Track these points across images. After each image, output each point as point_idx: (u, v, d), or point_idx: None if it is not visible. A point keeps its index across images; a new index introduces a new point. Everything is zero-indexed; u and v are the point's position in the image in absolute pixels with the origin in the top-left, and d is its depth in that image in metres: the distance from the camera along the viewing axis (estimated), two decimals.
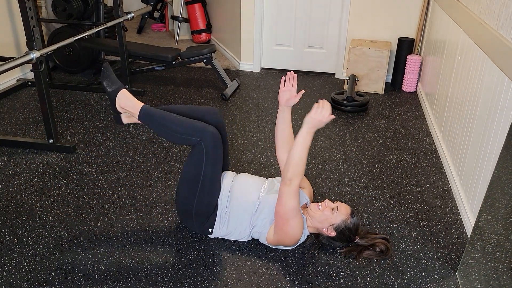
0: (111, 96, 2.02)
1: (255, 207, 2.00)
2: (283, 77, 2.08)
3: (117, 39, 3.79)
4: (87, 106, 3.60)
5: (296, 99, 2.05)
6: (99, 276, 1.85)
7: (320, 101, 1.86)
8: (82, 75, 4.30)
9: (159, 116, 1.96)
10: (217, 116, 2.11)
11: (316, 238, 2.07)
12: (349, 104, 3.60)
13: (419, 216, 2.31)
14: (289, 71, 4.61)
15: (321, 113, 1.83)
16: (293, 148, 1.84)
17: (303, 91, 1.99)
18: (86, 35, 2.99)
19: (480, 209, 1.76)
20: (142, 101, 2.14)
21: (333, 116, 1.88)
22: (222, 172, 2.14)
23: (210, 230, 2.04)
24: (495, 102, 2.03)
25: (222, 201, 2.02)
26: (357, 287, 1.83)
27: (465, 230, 2.21)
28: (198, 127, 1.92)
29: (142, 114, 1.97)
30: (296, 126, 3.36)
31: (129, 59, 3.91)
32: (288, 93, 2.06)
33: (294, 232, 1.90)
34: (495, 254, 1.70)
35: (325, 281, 1.86)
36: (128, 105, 2.00)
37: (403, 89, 4.21)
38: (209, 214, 2.01)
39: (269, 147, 3.00)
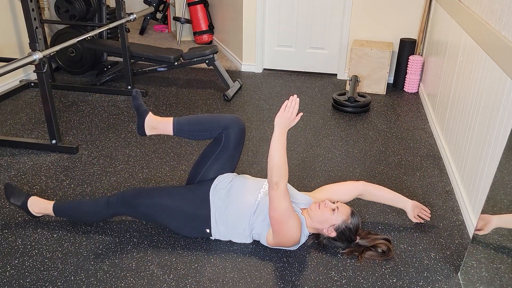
0: (23, 208, 2.17)
1: (253, 208, 2.00)
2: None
3: (119, 40, 3.80)
4: (89, 107, 3.61)
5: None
6: (102, 276, 1.85)
7: (291, 97, 1.85)
8: (84, 76, 4.31)
9: (70, 208, 2.12)
10: (240, 124, 2.11)
11: (316, 238, 2.07)
12: (351, 105, 3.61)
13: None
14: (291, 72, 4.63)
15: (289, 111, 1.83)
16: (270, 153, 1.83)
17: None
18: (89, 36, 3.00)
19: (482, 210, 1.76)
20: (145, 102, 2.14)
21: (301, 113, 1.89)
22: (223, 174, 2.14)
23: (208, 231, 2.03)
24: (497, 102, 2.03)
25: (215, 199, 2.01)
26: None
27: (467, 231, 2.21)
28: (103, 203, 2.07)
29: (56, 211, 2.12)
30: (296, 128, 3.36)
31: (132, 60, 3.92)
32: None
33: (292, 233, 1.90)
34: (497, 255, 1.69)
35: (327, 282, 1.86)
36: (41, 207, 2.15)
37: (405, 89, 4.21)
38: (198, 214, 2.01)
39: None
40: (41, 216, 2.20)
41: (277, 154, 1.82)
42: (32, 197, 2.17)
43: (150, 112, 2.14)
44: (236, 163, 2.19)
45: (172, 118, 2.12)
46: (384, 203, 2.24)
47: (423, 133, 3.30)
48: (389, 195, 2.22)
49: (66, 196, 2.39)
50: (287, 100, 1.84)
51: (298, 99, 1.85)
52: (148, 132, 2.13)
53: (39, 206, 2.15)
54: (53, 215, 2.14)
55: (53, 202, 2.14)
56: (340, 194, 2.17)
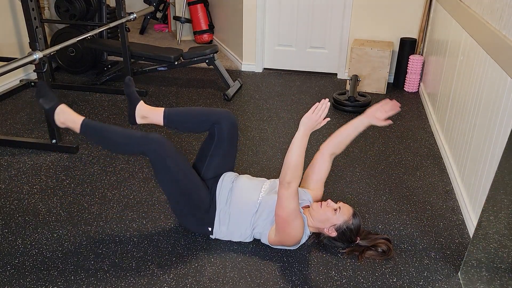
0: (49, 113, 2.05)
1: (255, 207, 2.00)
2: (388, 100, 2.03)
3: (119, 39, 3.80)
4: (89, 106, 3.61)
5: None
6: (102, 276, 1.85)
7: (322, 100, 1.85)
8: (84, 76, 4.31)
9: (100, 129, 1.98)
10: (232, 118, 2.11)
11: (317, 238, 2.07)
12: (351, 104, 3.60)
13: (421, 216, 2.31)
14: (291, 71, 4.62)
15: (318, 113, 1.81)
16: (289, 151, 1.82)
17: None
18: (89, 36, 3.00)
19: (482, 209, 1.76)
20: (145, 102, 2.15)
21: (328, 119, 1.88)
22: (224, 173, 2.15)
23: (209, 229, 2.04)
24: (497, 102, 2.03)
25: (220, 200, 2.02)
26: (359, 287, 1.84)
27: (467, 230, 2.21)
28: (140, 137, 1.92)
29: (83, 128, 2.00)
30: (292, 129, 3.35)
31: (132, 60, 3.92)
32: (382, 114, 2.02)
33: (296, 233, 1.90)
34: (497, 254, 1.69)
35: (327, 281, 1.86)
36: (69, 119, 2.03)
37: (405, 89, 4.20)
38: (205, 211, 2.01)
39: (271, 147, 3.01)
40: (63, 128, 2.05)
41: (296, 153, 1.81)
42: (62, 105, 2.05)
43: (141, 101, 2.12)
44: (234, 158, 2.19)
45: (163, 108, 2.11)
46: (353, 137, 2.10)
47: (423, 132, 3.30)
48: (348, 130, 2.07)
49: (66, 196, 2.39)
50: (317, 102, 1.83)
51: (329, 103, 1.84)
52: (139, 121, 2.11)
53: (66, 117, 2.02)
54: (78, 131, 2.01)
55: (83, 118, 2.02)
56: (318, 172, 2.14)
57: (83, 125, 1.99)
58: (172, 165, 1.91)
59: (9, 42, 3.86)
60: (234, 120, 2.12)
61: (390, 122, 2.03)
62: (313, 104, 1.84)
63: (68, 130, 3.16)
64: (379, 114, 2.03)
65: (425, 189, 2.56)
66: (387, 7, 4.17)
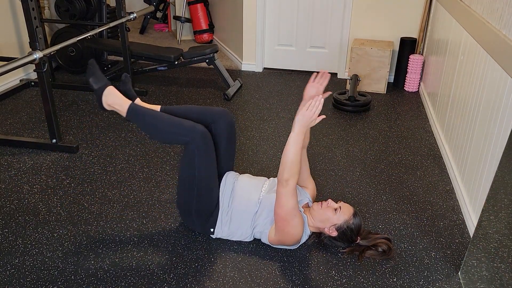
0: (97, 93, 2.01)
1: (256, 207, 2.00)
2: (315, 73, 2.03)
3: (119, 39, 3.80)
4: (90, 106, 3.61)
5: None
6: (102, 276, 1.85)
7: (316, 97, 1.83)
8: (85, 75, 4.31)
9: (147, 115, 1.95)
10: (229, 117, 2.11)
11: (317, 237, 2.07)
12: (351, 104, 3.60)
13: (422, 216, 2.31)
14: (291, 71, 4.62)
15: (312, 110, 1.80)
16: (286, 149, 1.82)
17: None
18: (89, 36, 3.00)
19: (482, 209, 1.76)
20: (144, 101, 2.15)
21: (323, 116, 1.87)
22: (225, 173, 2.15)
23: (212, 230, 2.04)
24: (497, 101, 2.03)
25: (223, 201, 2.03)
26: (359, 287, 1.84)
27: (468, 230, 2.21)
28: (187, 127, 1.90)
29: (130, 112, 1.97)
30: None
31: (132, 59, 3.92)
32: (315, 90, 2.01)
33: (295, 232, 1.90)
34: (497, 254, 1.69)
35: (327, 281, 1.86)
36: (116, 102, 2.00)
37: (405, 89, 4.20)
38: (210, 212, 2.02)
39: (271, 147, 3.01)
40: (108, 110, 2.02)
41: (292, 151, 1.81)
42: (111, 86, 2.02)
43: (138, 98, 2.12)
44: (233, 157, 2.19)
45: (160, 106, 2.11)
46: (305, 143, 2.08)
47: (424, 132, 3.30)
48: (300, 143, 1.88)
49: (66, 195, 2.39)
50: (311, 100, 1.82)
51: (323, 100, 1.83)
52: None
53: (114, 99, 1.99)
54: (124, 115, 1.98)
55: (130, 101, 2.00)
56: (303, 171, 2.15)
57: (129, 109, 1.96)
58: (205, 162, 1.92)
59: (9, 42, 3.86)
60: (231, 119, 2.12)
61: (329, 93, 2.01)
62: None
63: (69, 130, 3.16)
64: (315, 90, 2.01)
65: (425, 189, 2.56)
66: (387, 7, 4.17)
